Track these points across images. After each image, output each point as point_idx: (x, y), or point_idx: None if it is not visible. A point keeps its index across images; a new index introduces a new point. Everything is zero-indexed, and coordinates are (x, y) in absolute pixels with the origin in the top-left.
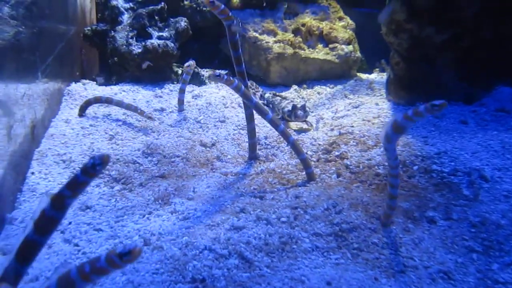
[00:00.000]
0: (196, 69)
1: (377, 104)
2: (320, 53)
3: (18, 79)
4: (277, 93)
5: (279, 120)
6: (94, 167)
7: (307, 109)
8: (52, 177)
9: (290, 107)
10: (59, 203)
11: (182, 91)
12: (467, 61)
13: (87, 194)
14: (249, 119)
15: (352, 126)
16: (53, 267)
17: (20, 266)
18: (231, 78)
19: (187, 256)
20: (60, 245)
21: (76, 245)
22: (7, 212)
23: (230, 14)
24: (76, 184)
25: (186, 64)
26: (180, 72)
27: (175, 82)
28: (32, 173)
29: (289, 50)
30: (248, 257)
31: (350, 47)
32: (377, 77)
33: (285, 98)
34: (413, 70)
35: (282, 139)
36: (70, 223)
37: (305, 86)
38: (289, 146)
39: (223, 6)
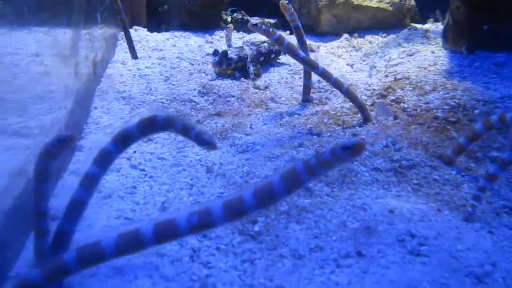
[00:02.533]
0: (245, 17)
1: (433, 52)
2: (373, 0)
3: (81, 23)
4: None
5: (329, 72)
6: None
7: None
8: (113, 112)
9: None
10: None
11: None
12: None
13: None
14: None
15: (408, 72)
16: (123, 187)
17: (99, 171)
18: (271, 30)
19: (249, 183)
20: (128, 170)
21: (143, 170)
22: (76, 140)
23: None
24: None
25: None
26: (229, 19)
27: (225, 30)
28: (95, 108)
29: None
30: (309, 186)
31: None
32: (432, 26)
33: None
34: (474, 16)
35: None
36: (134, 152)
37: (356, 35)
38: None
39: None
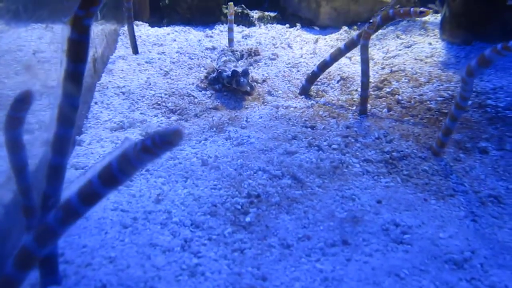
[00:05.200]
0: (245, 11)
1: (430, 43)
2: None
3: None
4: (234, 49)
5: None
6: None
7: (249, 71)
8: (113, 107)
9: (229, 72)
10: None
11: (231, 30)
12: None
13: (146, 122)
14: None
15: (404, 65)
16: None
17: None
18: None
19: (242, 176)
20: None
21: None
22: (76, 135)
23: None
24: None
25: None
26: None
27: (225, 24)
28: (96, 103)
29: None
30: (301, 177)
31: None
32: (430, 18)
33: (235, 53)
34: (471, 7)
35: (332, 76)
36: None
37: (355, 27)
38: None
39: None
